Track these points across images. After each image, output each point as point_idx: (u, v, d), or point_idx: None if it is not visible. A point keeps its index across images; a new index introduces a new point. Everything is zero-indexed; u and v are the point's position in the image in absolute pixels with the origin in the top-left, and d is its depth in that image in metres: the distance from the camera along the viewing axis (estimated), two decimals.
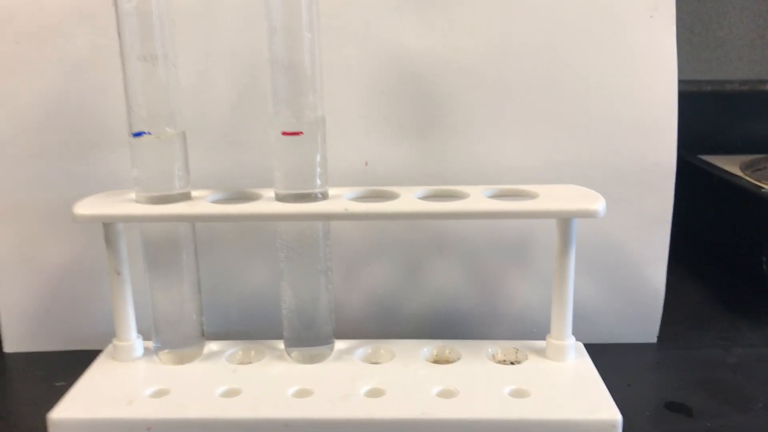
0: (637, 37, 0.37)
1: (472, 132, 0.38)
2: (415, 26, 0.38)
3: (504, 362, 0.36)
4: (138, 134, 0.32)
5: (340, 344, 0.37)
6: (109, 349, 0.37)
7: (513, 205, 0.33)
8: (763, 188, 0.50)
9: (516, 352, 0.37)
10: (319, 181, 0.34)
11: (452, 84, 0.38)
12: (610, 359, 0.38)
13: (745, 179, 0.52)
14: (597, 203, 0.33)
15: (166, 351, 0.36)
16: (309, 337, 0.36)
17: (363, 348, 0.37)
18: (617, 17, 0.37)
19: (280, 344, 0.37)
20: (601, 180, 0.38)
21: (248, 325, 0.39)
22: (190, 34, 0.37)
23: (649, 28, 0.37)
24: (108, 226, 0.34)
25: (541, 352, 0.36)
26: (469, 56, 0.38)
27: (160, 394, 0.33)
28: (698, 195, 0.57)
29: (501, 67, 0.38)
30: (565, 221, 0.34)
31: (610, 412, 0.31)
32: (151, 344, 0.36)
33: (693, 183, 0.58)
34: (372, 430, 0.31)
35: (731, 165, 0.56)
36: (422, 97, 0.38)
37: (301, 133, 0.32)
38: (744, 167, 0.55)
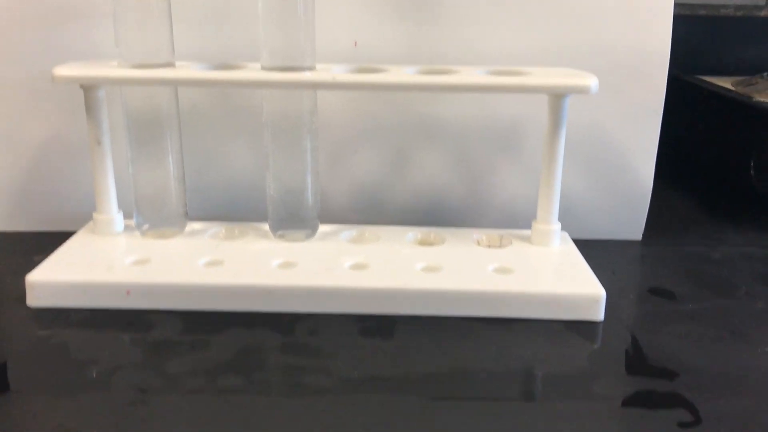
0: None
1: (466, 13, 0.37)
2: None
3: (488, 247, 0.36)
4: None
5: (324, 228, 0.37)
6: (88, 224, 0.36)
7: (504, 80, 0.32)
8: (753, 98, 0.49)
9: (501, 239, 0.36)
10: (306, 55, 0.33)
11: None
12: (595, 252, 0.38)
13: (736, 92, 0.52)
14: (590, 79, 0.32)
15: (146, 227, 0.35)
16: (294, 220, 0.35)
17: (348, 231, 0.37)
18: None
19: (265, 226, 0.36)
20: (595, 67, 0.37)
21: (233, 209, 0.39)
22: None
23: None
24: (89, 92, 0.33)
25: (526, 239, 0.36)
26: None
27: (140, 262, 0.32)
28: (691, 111, 0.56)
29: None
30: (556, 99, 0.33)
31: (593, 287, 0.31)
32: (132, 223, 0.36)
33: (686, 100, 0.57)
34: (355, 301, 0.31)
35: (724, 83, 0.55)
36: None
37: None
38: (735, 84, 0.55)
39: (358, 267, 0.32)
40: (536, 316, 0.31)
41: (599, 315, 0.31)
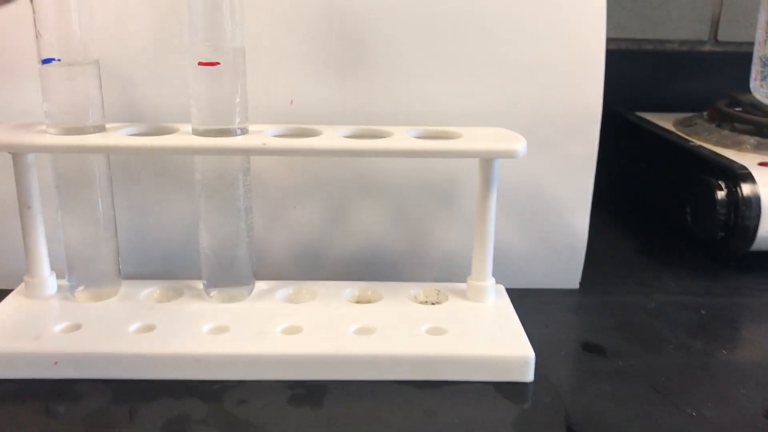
0: None
1: (398, 71, 0.38)
2: None
3: (425, 303, 0.36)
4: (47, 61, 0.31)
5: (261, 285, 0.37)
6: (20, 287, 0.36)
7: (434, 144, 0.33)
8: (691, 142, 0.50)
9: (437, 293, 0.37)
10: (238, 117, 0.33)
11: (380, 20, 0.37)
12: (531, 303, 0.38)
13: (676, 133, 0.53)
14: (518, 144, 0.33)
15: (80, 289, 0.35)
16: (228, 277, 0.35)
17: (284, 288, 0.37)
18: None
19: (200, 284, 0.36)
20: (527, 124, 0.38)
21: (167, 266, 0.39)
22: None
23: None
24: (17, 158, 0.33)
25: (462, 294, 0.36)
26: None
27: (70, 329, 0.32)
28: (630, 149, 0.57)
29: (429, 4, 0.37)
30: (486, 162, 0.34)
31: (523, 348, 0.32)
32: (65, 283, 0.35)
33: (626, 137, 0.58)
34: (286, 368, 0.31)
35: (665, 122, 0.57)
36: (349, 33, 0.37)
37: (218, 63, 0.32)
38: (677, 123, 0.56)
39: (290, 331, 0.33)
40: (467, 378, 0.31)
41: (529, 376, 0.31)
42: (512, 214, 0.39)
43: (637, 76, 0.64)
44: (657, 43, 0.66)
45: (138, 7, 0.36)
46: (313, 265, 0.40)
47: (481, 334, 0.33)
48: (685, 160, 0.49)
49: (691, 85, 0.65)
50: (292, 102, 0.38)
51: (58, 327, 0.32)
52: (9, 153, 0.33)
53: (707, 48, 0.66)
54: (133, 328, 0.32)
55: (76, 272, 0.35)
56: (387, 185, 0.39)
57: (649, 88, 0.65)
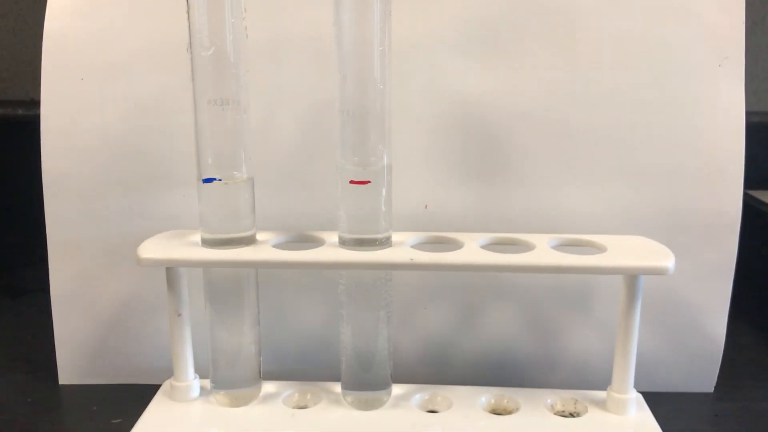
0: (705, 85, 0.37)
1: (533, 177, 0.38)
2: (478, 70, 0.37)
3: (563, 413, 0.36)
4: (208, 180, 0.32)
5: (396, 389, 0.37)
6: (165, 387, 0.37)
7: (581, 260, 0.32)
8: None
9: (575, 403, 0.36)
10: (383, 227, 0.33)
11: (515, 129, 0.37)
12: (668, 409, 0.37)
13: None
14: (667, 260, 0.32)
15: (222, 392, 0.36)
16: (367, 380, 0.36)
17: (420, 394, 0.37)
18: (685, 65, 0.37)
19: (336, 387, 0.37)
20: (663, 229, 0.37)
21: (304, 364, 0.39)
22: (256, 76, 0.37)
23: (717, 77, 0.37)
24: (170, 269, 0.34)
25: (601, 404, 0.36)
26: (533, 101, 0.37)
27: None
28: (762, 240, 0.55)
29: (565, 112, 0.37)
30: (632, 277, 0.33)
31: None
32: (207, 383, 0.36)
33: (757, 227, 0.56)
34: None
35: None
36: (485, 142, 0.38)
37: (369, 182, 0.32)
38: None
39: None
40: None
41: None
42: (647, 318, 0.38)
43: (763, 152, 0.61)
44: None
45: (285, 121, 0.37)
46: (443, 366, 0.40)
47: None
48: None
49: None
50: (426, 206, 0.38)
51: None
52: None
53: None
54: None
55: (220, 375, 0.36)
56: (519, 287, 0.39)
57: None
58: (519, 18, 0.37)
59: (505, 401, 0.36)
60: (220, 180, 0.32)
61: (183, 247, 0.34)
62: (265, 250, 0.33)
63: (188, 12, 0.31)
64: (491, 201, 0.38)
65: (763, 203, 0.56)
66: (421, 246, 0.34)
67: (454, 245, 0.34)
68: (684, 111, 0.37)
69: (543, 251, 0.33)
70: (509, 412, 0.36)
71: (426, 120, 0.38)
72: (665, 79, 0.37)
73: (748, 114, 0.37)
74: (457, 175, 0.38)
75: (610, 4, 0.37)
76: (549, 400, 0.36)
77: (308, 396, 0.37)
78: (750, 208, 0.56)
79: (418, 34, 0.37)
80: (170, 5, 0.37)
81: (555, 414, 0.35)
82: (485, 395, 0.37)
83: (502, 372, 0.39)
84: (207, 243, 0.34)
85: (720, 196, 0.37)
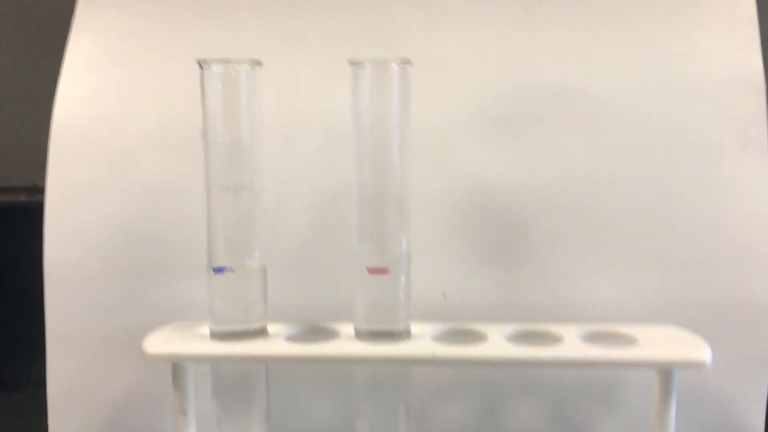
0: (730, 169, 0.36)
1: (555, 264, 0.36)
2: (497, 154, 0.36)
3: None
4: (219, 270, 0.31)
5: None
6: None
7: (613, 354, 0.30)
8: None
9: None
10: (402, 318, 0.32)
11: (536, 214, 0.36)
12: None
13: None
14: (703, 353, 0.30)
15: None
16: None
17: None
18: (708, 149, 0.36)
19: None
20: (693, 319, 0.36)
21: None
22: (268, 160, 0.36)
23: (742, 161, 0.36)
24: (176, 364, 0.32)
25: None
26: (553, 185, 0.36)
27: None
28: None
29: (586, 197, 0.36)
30: (665, 371, 0.31)
31: None
32: None
33: None
34: None
35: None
36: (504, 228, 0.36)
37: (388, 271, 0.31)
38: None
39: None
40: None
41: None
42: (681, 407, 0.36)
43: None
44: None
45: (297, 207, 0.36)
46: None
47: None
48: None
49: None
50: (445, 295, 0.36)
51: None
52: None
53: None
54: None
55: None
56: (544, 379, 0.37)
57: None
58: (537, 100, 0.36)
59: None
60: (231, 270, 0.31)
61: (191, 340, 0.32)
62: (277, 343, 0.32)
63: (203, 99, 0.30)
64: (512, 288, 0.36)
65: None
66: (442, 337, 0.33)
67: (477, 337, 0.33)
68: (709, 195, 0.36)
69: (572, 344, 0.32)
70: None
71: (443, 205, 0.36)
72: (688, 162, 0.36)
73: None
74: (476, 262, 0.36)
75: (630, 87, 0.36)
76: None
77: None
78: None
79: (434, 118, 0.37)
80: (180, 88, 0.37)
81: None
82: None
83: None
84: (216, 336, 0.32)
85: (751, 283, 0.36)
